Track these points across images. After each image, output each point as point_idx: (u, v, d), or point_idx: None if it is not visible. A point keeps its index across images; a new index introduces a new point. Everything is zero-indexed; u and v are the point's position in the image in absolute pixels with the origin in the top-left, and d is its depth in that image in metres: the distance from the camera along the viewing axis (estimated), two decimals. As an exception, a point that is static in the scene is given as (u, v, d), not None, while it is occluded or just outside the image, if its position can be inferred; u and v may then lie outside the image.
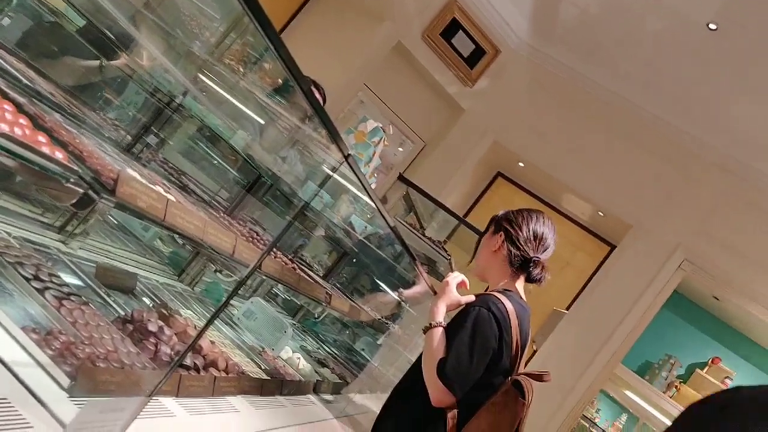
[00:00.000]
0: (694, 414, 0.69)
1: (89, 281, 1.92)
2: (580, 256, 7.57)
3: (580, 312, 6.45)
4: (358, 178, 1.71)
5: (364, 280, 4.98)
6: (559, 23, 6.49)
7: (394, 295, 3.77)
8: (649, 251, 6.36)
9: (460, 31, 6.59)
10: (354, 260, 4.81)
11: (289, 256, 2.98)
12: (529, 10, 6.58)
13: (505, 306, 2.10)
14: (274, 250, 2.54)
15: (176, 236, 2.26)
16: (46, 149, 1.05)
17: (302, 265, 3.47)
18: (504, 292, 2.18)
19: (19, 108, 1.17)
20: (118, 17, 2.09)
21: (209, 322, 1.81)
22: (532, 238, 2.24)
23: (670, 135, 6.51)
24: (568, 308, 6.76)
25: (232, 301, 3.23)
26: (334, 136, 1.38)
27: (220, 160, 3.11)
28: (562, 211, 7.73)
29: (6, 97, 1.16)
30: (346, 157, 1.42)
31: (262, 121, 2.46)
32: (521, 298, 2.24)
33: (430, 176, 6.74)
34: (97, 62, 2.16)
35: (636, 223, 6.54)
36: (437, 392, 2.02)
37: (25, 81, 1.67)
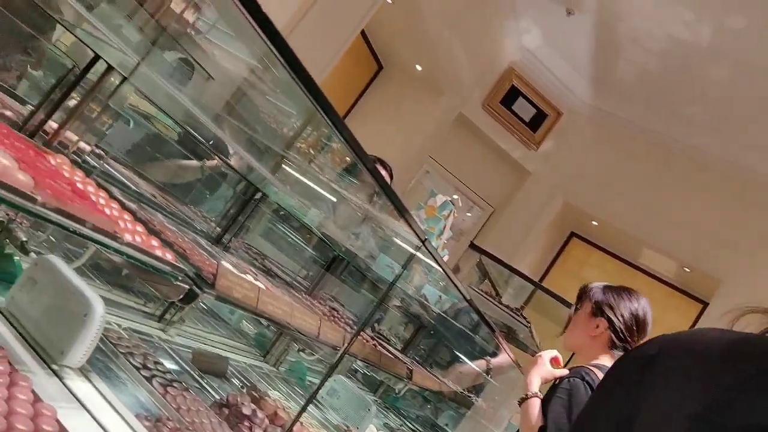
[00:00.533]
0: (620, 366, 0.69)
1: (186, 367, 2.04)
2: (670, 317, 7.22)
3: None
4: (436, 261, 1.78)
5: (443, 352, 4.94)
6: (619, 80, 6.52)
7: (475, 366, 3.73)
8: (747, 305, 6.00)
9: (520, 97, 6.72)
10: (431, 332, 4.80)
11: (369, 333, 3.04)
12: (587, 70, 6.66)
13: (599, 378, 2.09)
14: (354, 328, 2.61)
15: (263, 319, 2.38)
16: (159, 252, 1.18)
17: (380, 339, 3.51)
18: (598, 366, 2.18)
19: (135, 215, 1.32)
20: (206, 121, 2.31)
21: (303, 409, 1.87)
22: (634, 325, 2.23)
23: (748, 180, 6.26)
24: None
25: (313, 380, 3.29)
26: (410, 222, 1.46)
27: (300, 242, 3.27)
28: (644, 269, 7.46)
29: (124, 207, 1.31)
30: (423, 241, 1.50)
31: (339, 204, 2.60)
32: None
33: (501, 241, 6.73)
34: (197, 163, 2.38)
35: (725, 277, 6.22)
36: None
37: (133, 187, 1.87)
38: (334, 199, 2.84)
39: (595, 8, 5.71)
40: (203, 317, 2.77)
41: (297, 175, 2.66)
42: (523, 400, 2.14)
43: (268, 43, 0.97)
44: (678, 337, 0.64)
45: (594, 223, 7.35)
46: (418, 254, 1.70)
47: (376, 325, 4.29)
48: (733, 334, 0.62)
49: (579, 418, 0.73)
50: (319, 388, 2.20)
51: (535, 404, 2.10)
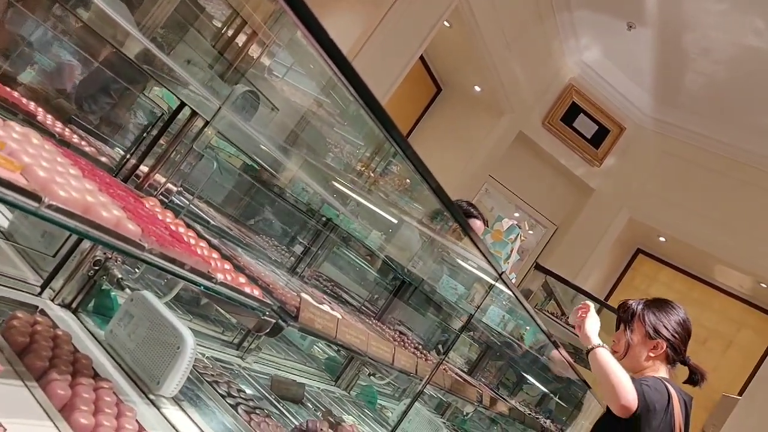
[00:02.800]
0: None
1: (266, 393, 2.12)
2: (745, 334, 6.89)
3: (757, 397, 5.80)
4: (512, 292, 1.80)
5: (509, 374, 4.89)
6: (684, 92, 6.35)
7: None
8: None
9: (581, 113, 6.64)
10: (497, 353, 4.76)
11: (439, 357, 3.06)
12: (651, 83, 6.52)
13: (666, 386, 2.15)
14: (425, 352, 2.64)
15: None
16: (247, 289, 1.25)
17: (447, 361, 3.52)
18: (662, 378, 2.21)
19: (221, 253, 1.41)
20: (274, 152, 2.42)
21: None
22: (686, 336, 2.32)
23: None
24: (740, 393, 6.11)
25: (384, 403, 3.33)
26: (489, 259, 1.50)
27: (369, 268, 3.34)
28: (717, 285, 7.16)
29: (211, 245, 1.40)
30: (500, 275, 1.53)
31: (416, 239, 2.67)
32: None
33: (565, 259, 6.63)
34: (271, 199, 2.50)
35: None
36: (628, 393, 2.03)
37: (213, 222, 1.98)
38: (418, 238, 2.90)
39: (657, 21, 5.60)
40: (276, 343, 2.86)
41: (374, 207, 2.74)
42: (590, 351, 2.21)
43: (341, 75, 1.02)
44: None
45: (661, 239, 7.13)
46: (497, 284, 1.73)
47: (441, 347, 4.30)
48: None
49: None
50: (402, 419, 2.25)
51: (607, 353, 2.17)
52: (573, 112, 6.62)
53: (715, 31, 5.37)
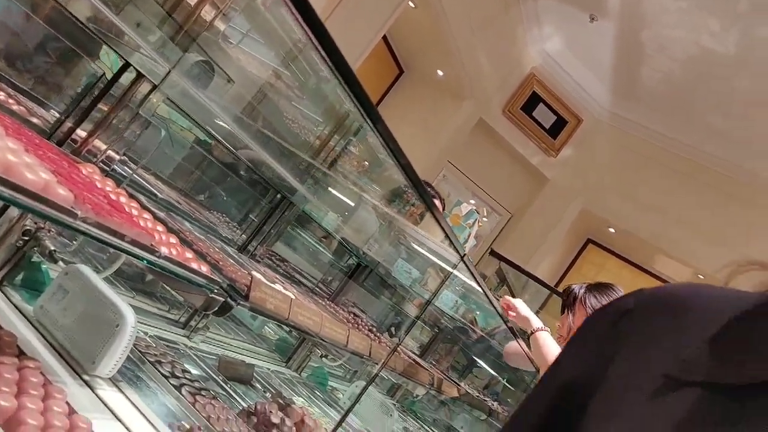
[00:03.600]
0: (591, 321, 0.63)
1: (212, 374, 2.04)
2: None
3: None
4: (474, 278, 1.76)
5: (460, 357, 4.92)
6: (641, 88, 6.45)
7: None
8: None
9: (541, 103, 6.68)
10: (448, 337, 4.78)
11: (391, 340, 3.02)
12: (609, 77, 6.60)
13: None
14: (378, 334, 2.59)
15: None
16: (194, 265, 1.17)
17: (400, 344, 3.49)
18: None
19: (167, 226, 1.32)
20: (227, 122, 2.31)
21: (339, 424, 1.86)
22: None
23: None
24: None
25: (335, 384, 3.28)
26: (452, 240, 1.45)
27: (322, 249, 3.26)
28: (658, 275, 7.39)
29: (156, 217, 1.31)
30: (462, 257, 1.49)
31: (374, 221, 2.60)
32: None
33: (519, 247, 6.70)
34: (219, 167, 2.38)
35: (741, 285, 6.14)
36: None
37: (159, 194, 1.87)
38: (376, 220, 2.83)
39: (618, 15, 5.65)
40: (225, 323, 2.77)
41: (330, 186, 2.66)
42: (533, 333, 2.30)
43: (307, 28, 0.93)
44: (658, 291, 0.60)
45: (611, 230, 7.29)
46: (459, 267, 1.69)
47: (393, 330, 4.28)
48: (719, 289, 0.58)
49: (543, 375, 0.66)
50: (354, 404, 2.20)
51: (547, 335, 2.21)
52: (533, 101, 6.65)
53: (673, 29, 5.45)
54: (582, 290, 2.38)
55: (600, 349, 0.59)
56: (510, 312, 2.49)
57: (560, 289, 6.59)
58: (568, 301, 2.41)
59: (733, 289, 0.58)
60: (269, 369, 2.66)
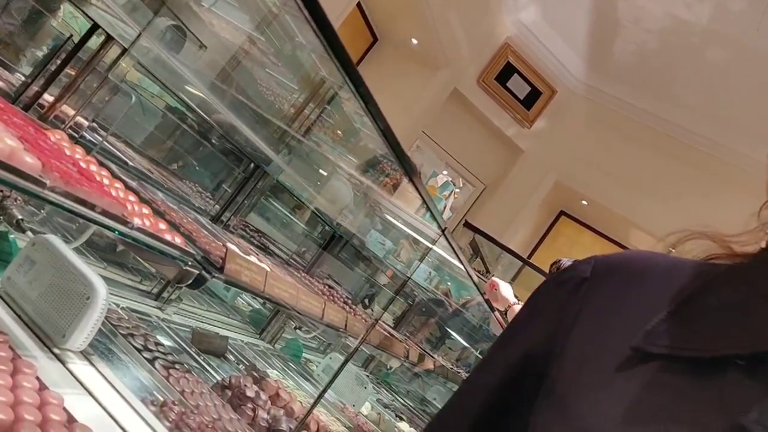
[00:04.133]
0: (544, 290, 0.65)
1: (186, 346, 2.01)
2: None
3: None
4: (454, 251, 1.75)
5: (434, 329, 4.96)
6: (615, 60, 6.47)
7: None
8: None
9: (515, 74, 6.66)
10: (422, 309, 4.81)
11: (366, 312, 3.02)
12: (584, 49, 6.60)
13: None
14: (353, 307, 2.59)
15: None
16: (168, 236, 1.13)
17: (375, 317, 3.50)
18: None
19: (139, 196, 1.27)
20: (203, 90, 2.24)
21: (317, 401, 1.86)
22: None
23: (739, 165, 6.28)
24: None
25: (309, 356, 3.28)
26: (433, 212, 1.43)
27: (296, 220, 3.23)
28: (631, 249, 7.51)
29: (128, 187, 1.26)
30: (443, 230, 1.47)
31: (349, 192, 2.57)
32: None
33: (492, 218, 6.73)
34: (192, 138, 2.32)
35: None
36: None
37: (130, 162, 1.81)
38: (352, 191, 2.80)
39: (594, -15, 5.63)
40: (199, 295, 2.74)
41: (305, 155, 2.61)
42: (507, 309, 2.34)
43: None
44: (613, 259, 0.60)
45: (584, 202, 7.36)
46: (439, 239, 1.68)
47: (367, 301, 4.29)
48: (673, 259, 0.59)
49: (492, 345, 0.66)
50: (332, 381, 2.20)
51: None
52: (507, 71, 6.61)
53: (648, 0, 5.45)
54: (569, 263, 2.40)
55: (558, 318, 0.58)
56: (493, 292, 2.49)
57: (533, 261, 6.67)
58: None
59: (682, 259, 0.60)
60: (243, 341, 2.65)
